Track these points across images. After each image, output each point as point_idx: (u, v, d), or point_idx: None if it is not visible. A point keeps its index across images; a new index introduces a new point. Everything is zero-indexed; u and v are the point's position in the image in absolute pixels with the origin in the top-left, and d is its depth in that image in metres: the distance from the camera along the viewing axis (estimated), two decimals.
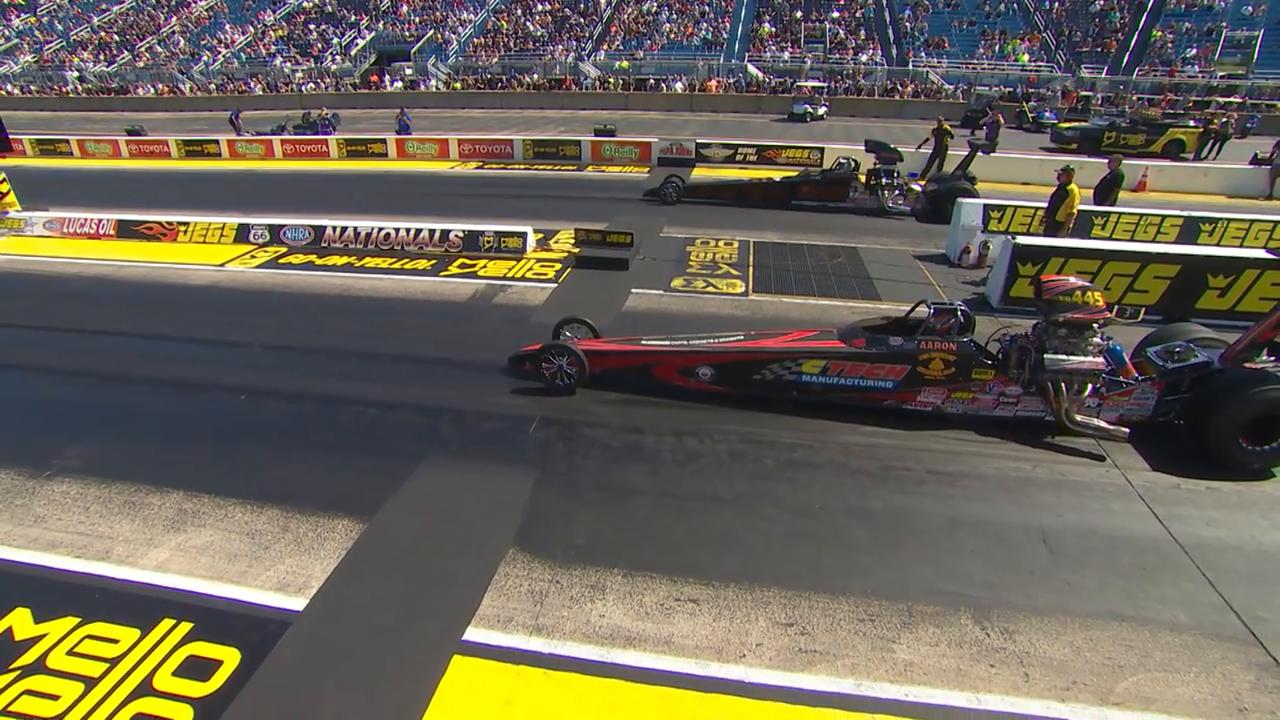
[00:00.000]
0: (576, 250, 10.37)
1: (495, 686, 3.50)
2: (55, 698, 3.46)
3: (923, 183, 13.88)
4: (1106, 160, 11.28)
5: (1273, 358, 5.67)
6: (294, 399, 6.49)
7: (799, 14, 43.08)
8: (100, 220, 12.00)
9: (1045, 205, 9.59)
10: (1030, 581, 4.25)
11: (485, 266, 10.15)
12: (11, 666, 3.62)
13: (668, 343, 6.39)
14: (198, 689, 3.50)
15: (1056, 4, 40.72)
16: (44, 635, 3.82)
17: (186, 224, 11.66)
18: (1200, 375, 5.58)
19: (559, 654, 3.68)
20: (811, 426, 5.90)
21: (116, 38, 51.53)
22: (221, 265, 10.48)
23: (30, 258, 11.25)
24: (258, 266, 10.43)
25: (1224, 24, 36.01)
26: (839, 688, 3.51)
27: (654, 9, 44.96)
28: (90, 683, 3.54)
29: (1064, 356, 5.57)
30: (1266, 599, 4.09)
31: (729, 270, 9.91)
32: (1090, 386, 5.64)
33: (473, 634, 3.80)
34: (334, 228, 11.06)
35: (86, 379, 7.07)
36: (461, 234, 10.67)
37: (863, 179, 13.68)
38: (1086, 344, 5.62)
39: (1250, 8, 36.25)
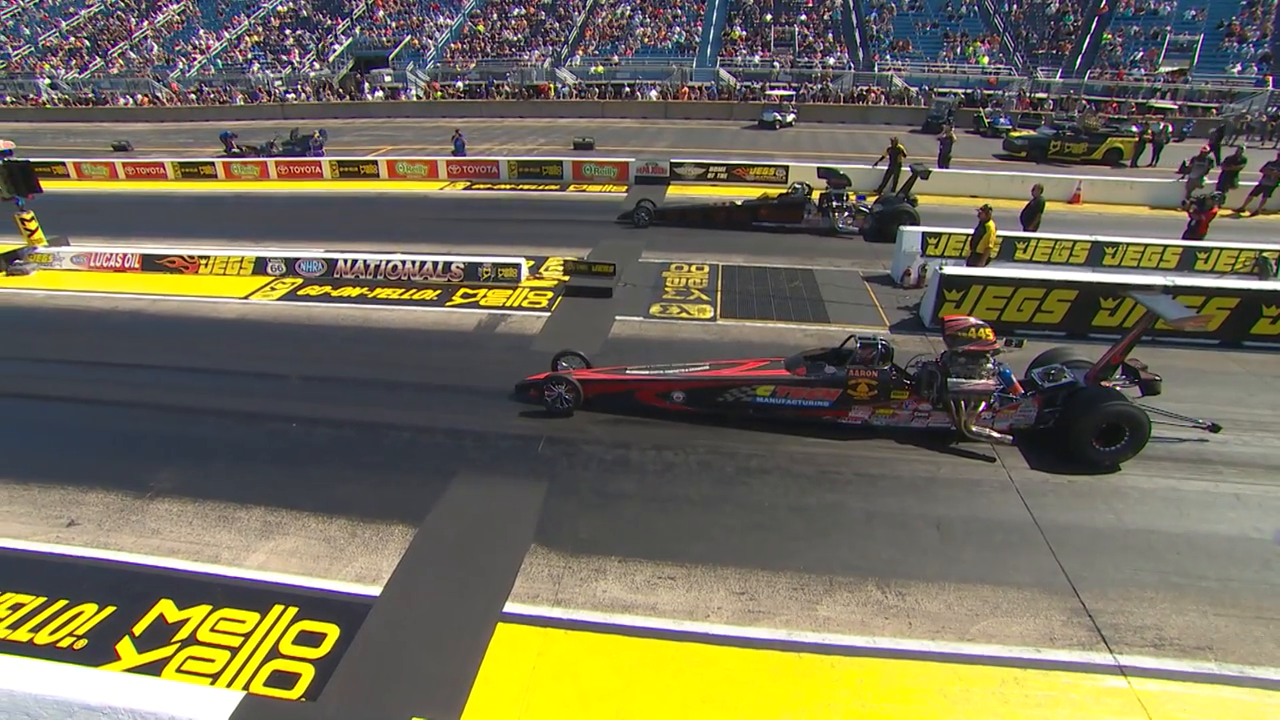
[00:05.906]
0: (566, 279, 11.67)
1: (530, 643, 4.89)
2: (211, 660, 4.78)
3: (871, 201, 15.30)
4: (1031, 189, 12.89)
5: (1124, 377, 7.23)
6: (338, 425, 7.77)
7: (769, 17, 44.51)
8: (125, 254, 13.02)
9: (971, 235, 11.10)
10: (923, 557, 5.72)
11: (485, 296, 11.39)
12: (172, 640, 4.94)
13: (647, 371, 7.79)
14: (314, 652, 4.84)
15: (1015, 6, 42.59)
16: (188, 619, 5.13)
17: (207, 257, 12.73)
18: (1069, 392, 7.10)
19: (575, 619, 5.08)
20: (765, 439, 7.34)
21: (87, 43, 51.39)
22: (246, 298, 11.62)
23: (65, 293, 12.27)
24: (279, 299, 11.56)
25: (1168, 28, 38.03)
26: (776, 636, 4.95)
27: (627, 13, 46.07)
28: (233, 650, 4.86)
29: (964, 379, 7.05)
30: (1089, 563, 5.61)
31: (700, 296, 11.29)
32: (984, 403, 7.14)
33: (510, 607, 5.18)
34: (345, 260, 12.23)
35: (152, 410, 8.24)
36: (462, 266, 11.93)
37: (815, 198, 15.11)
38: (981, 369, 7.10)
39: (1193, 11, 38.30)
